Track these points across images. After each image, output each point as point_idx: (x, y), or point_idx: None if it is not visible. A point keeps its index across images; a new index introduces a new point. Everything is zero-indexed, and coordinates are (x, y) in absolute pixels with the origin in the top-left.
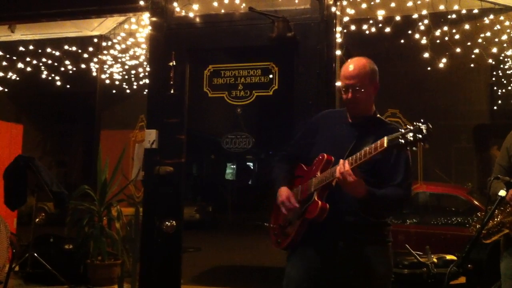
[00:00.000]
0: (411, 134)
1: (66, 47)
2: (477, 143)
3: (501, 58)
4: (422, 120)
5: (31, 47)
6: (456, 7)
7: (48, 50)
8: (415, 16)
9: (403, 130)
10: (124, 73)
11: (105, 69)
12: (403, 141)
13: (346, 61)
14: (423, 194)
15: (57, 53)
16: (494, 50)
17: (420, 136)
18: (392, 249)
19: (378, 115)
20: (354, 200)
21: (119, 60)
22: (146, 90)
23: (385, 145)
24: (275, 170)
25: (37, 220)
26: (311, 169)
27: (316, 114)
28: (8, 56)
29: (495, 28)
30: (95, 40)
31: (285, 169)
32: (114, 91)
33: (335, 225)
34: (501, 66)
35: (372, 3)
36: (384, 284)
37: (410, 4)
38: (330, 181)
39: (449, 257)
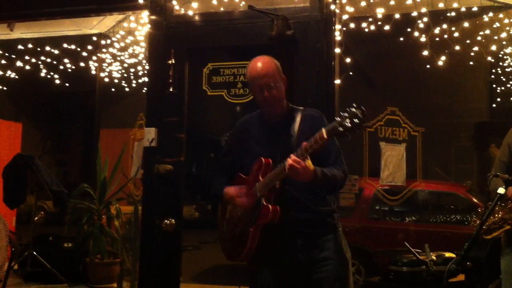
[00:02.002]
0: (348, 120)
1: (65, 45)
2: (477, 141)
3: (500, 56)
4: (354, 105)
5: (30, 46)
6: (455, 5)
7: (47, 48)
8: (415, 14)
9: (338, 118)
10: (123, 71)
11: (104, 67)
12: (341, 128)
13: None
14: (422, 192)
15: (56, 52)
16: (494, 48)
17: (357, 120)
18: (390, 248)
19: (291, 105)
20: (301, 197)
21: (118, 58)
22: (146, 88)
23: (325, 136)
24: (213, 185)
25: (36, 219)
26: (252, 176)
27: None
28: (7, 54)
29: (495, 26)
30: (94, 38)
31: (223, 181)
32: (113, 90)
33: (288, 225)
34: (501, 64)
35: (372, 1)
36: (344, 270)
37: (409, 2)
38: (275, 184)
39: (448, 254)
